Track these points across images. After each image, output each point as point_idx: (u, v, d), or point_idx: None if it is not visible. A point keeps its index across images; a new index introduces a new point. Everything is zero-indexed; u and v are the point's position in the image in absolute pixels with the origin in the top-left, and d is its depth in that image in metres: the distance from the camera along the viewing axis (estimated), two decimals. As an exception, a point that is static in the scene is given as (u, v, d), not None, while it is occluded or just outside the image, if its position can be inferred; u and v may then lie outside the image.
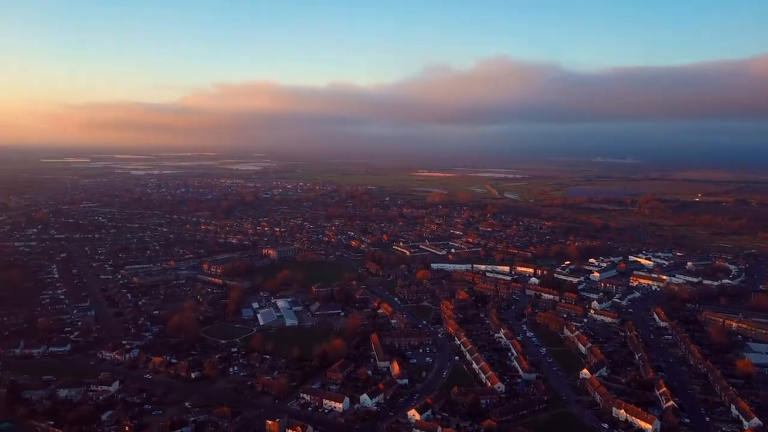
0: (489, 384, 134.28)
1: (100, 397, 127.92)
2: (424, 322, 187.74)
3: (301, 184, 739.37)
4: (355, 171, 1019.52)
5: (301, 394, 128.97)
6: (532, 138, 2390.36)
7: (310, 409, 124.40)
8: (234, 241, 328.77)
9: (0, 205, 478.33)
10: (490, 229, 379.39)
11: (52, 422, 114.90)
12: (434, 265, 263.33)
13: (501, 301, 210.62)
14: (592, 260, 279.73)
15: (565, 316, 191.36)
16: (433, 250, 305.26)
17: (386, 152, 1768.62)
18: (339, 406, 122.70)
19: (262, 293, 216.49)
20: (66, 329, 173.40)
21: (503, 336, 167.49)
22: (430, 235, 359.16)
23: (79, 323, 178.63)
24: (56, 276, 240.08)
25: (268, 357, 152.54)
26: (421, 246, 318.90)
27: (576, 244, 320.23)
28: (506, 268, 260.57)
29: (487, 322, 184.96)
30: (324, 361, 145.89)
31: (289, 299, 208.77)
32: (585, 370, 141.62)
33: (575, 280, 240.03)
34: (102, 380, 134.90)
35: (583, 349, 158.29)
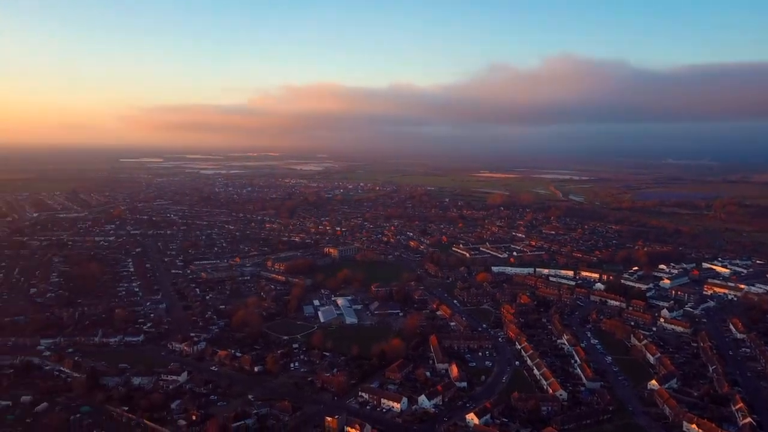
0: (550, 391, 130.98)
1: (170, 386, 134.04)
2: (484, 325, 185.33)
3: (361, 184, 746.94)
4: (415, 171, 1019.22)
5: (360, 393, 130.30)
6: (600, 138, 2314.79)
7: (368, 407, 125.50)
8: (297, 239, 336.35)
9: (83, 202, 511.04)
10: (553, 233, 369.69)
11: (126, 408, 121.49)
12: (495, 268, 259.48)
13: (564, 307, 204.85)
14: (662, 266, 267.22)
15: (632, 324, 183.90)
16: (494, 253, 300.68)
17: (446, 153, 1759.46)
18: (397, 406, 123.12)
19: (323, 291, 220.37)
20: (139, 320, 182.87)
21: (566, 342, 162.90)
22: (491, 237, 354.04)
23: (152, 315, 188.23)
24: (131, 270, 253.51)
25: (328, 354, 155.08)
26: (481, 248, 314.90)
27: (645, 249, 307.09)
28: (570, 273, 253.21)
29: (550, 327, 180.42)
30: (382, 361, 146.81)
31: (349, 298, 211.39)
32: (653, 381, 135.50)
33: (644, 286, 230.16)
34: (172, 370, 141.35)
35: (651, 359, 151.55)
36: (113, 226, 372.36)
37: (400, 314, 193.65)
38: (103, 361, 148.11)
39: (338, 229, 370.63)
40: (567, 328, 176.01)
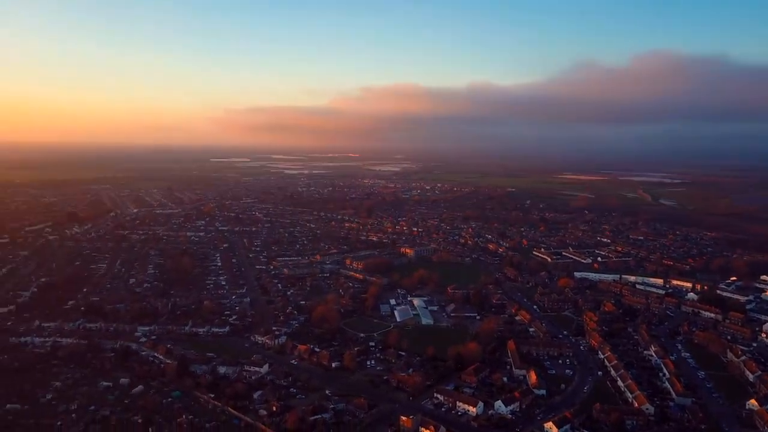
0: (636, 404, 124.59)
1: (253, 377, 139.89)
2: (565, 332, 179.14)
3: (439, 185, 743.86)
4: (494, 172, 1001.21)
5: (435, 394, 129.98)
6: (694, 139, 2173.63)
7: (443, 409, 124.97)
8: (374, 238, 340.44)
9: (177, 200, 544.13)
10: (642, 238, 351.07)
11: (212, 395, 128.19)
12: (578, 274, 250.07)
13: (652, 316, 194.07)
14: (764, 277, 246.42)
15: (729, 337, 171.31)
16: (577, 258, 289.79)
17: (527, 153, 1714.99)
18: (473, 409, 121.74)
19: (399, 291, 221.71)
20: (226, 313, 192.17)
21: (654, 354, 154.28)
22: (574, 241, 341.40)
23: (237, 308, 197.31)
24: (219, 264, 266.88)
25: (403, 354, 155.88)
26: (563, 253, 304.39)
27: (744, 258, 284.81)
28: (659, 281, 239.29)
29: (636, 337, 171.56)
30: (458, 363, 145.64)
31: (425, 298, 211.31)
32: (753, 401, 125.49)
33: (743, 298, 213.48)
34: (254, 362, 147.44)
35: (750, 376, 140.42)
36: (203, 222, 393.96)
37: (477, 317, 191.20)
38: (192, 350, 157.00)
39: (415, 229, 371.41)
40: (655, 339, 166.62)
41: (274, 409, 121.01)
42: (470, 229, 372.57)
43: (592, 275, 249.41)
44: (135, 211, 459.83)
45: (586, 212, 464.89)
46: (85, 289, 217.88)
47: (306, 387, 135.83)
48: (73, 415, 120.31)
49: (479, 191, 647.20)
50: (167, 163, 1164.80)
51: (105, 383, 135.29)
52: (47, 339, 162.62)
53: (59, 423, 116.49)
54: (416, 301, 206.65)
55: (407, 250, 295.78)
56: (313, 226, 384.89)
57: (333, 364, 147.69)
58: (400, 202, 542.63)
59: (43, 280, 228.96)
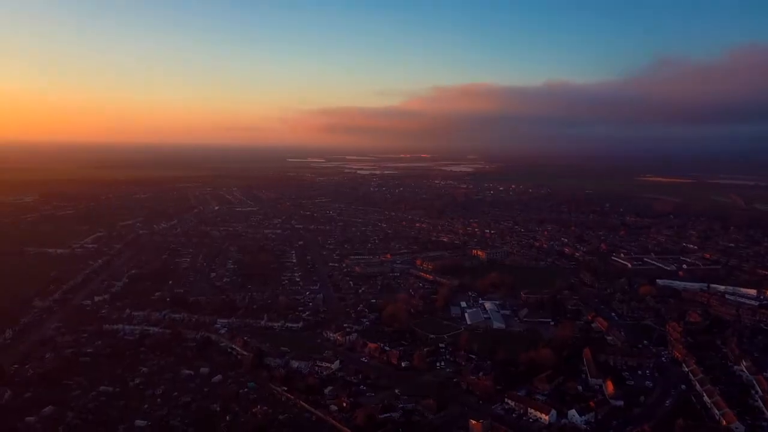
0: (724, 422, 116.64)
1: (324, 373, 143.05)
2: (645, 342, 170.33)
3: (513, 186, 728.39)
4: (572, 174, 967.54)
5: (506, 399, 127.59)
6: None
7: (514, 415, 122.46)
8: (445, 239, 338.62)
9: (255, 198, 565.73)
10: (733, 245, 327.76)
11: (285, 388, 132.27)
12: (660, 281, 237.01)
13: (744, 329, 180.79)
14: None
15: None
16: (660, 265, 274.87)
17: (607, 154, 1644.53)
18: (545, 417, 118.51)
19: (470, 293, 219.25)
20: (299, 308, 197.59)
21: (745, 370, 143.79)
22: (657, 247, 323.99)
23: (310, 304, 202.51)
24: (294, 261, 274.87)
25: (473, 357, 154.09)
26: (645, 259, 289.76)
27: None
28: (753, 292, 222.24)
29: (725, 351, 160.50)
30: (530, 369, 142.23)
31: (497, 302, 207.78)
32: None
33: None
34: (326, 358, 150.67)
35: None
36: (280, 220, 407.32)
37: (551, 323, 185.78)
38: (267, 343, 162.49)
39: (487, 231, 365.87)
40: (747, 354, 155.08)
41: (345, 405, 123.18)
42: (545, 232, 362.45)
43: (676, 283, 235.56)
44: (216, 208, 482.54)
45: (671, 216, 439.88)
46: (170, 282, 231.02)
47: (375, 385, 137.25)
48: (158, 399, 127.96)
49: (555, 193, 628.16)
50: (246, 163, 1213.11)
51: (187, 371, 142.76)
52: (136, 327, 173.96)
53: (146, 406, 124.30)
54: (488, 305, 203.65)
55: (479, 252, 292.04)
56: (384, 225, 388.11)
57: (402, 364, 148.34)
58: (472, 203, 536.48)
59: (133, 271, 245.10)
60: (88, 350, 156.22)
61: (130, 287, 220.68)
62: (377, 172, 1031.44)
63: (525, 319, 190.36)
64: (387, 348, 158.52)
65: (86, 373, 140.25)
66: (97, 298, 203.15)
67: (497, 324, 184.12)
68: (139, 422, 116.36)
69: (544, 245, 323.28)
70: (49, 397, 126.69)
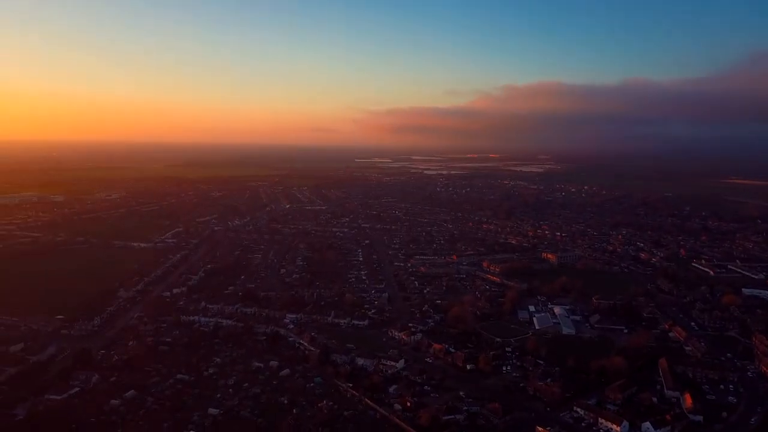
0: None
1: (389, 371, 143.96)
2: (729, 355, 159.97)
3: (585, 187, 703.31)
4: (649, 176, 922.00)
5: (575, 408, 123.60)
6: None
7: (583, 424, 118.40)
8: (513, 242, 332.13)
9: (324, 197, 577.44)
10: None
11: (350, 385, 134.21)
12: (746, 290, 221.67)
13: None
14: None
15: None
16: (746, 273, 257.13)
17: (688, 155, 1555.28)
18: (617, 428, 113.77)
19: (539, 297, 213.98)
20: (365, 306, 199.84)
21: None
22: (743, 254, 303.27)
23: (375, 302, 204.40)
24: (360, 259, 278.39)
25: (541, 362, 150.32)
26: (729, 266, 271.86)
27: None
28: None
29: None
30: (602, 378, 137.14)
31: (567, 307, 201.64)
32: None
33: None
34: (391, 356, 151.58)
35: None
36: (347, 219, 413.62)
37: (625, 331, 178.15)
38: (333, 340, 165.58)
39: (558, 233, 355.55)
40: None
41: (408, 404, 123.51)
42: (620, 236, 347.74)
43: (765, 293, 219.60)
44: (287, 206, 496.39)
45: (759, 221, 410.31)
46: (242, 277, 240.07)
47: (440, 386, 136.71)
48: (230, 389, 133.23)
49: (631, 195, 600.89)
50: (316, 163, 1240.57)
51: (257, 364, 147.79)
52: (211, 319, 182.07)
53: (218, 395, 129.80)
54: (557, 309, 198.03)
55: (549, 256, 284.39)
56: (450, 226, 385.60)
57: (468, 366, 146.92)
58: (543, 204, 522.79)
59: (209, 266, 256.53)
60: (167, 339, 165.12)
61: (206, 281, 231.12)
62: (444, 172, 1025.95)
63: (596, 326, 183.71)
64: (452, 349, 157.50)
65: (164, 361, 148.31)
66: (175, 291, 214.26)
67: (567, 330, 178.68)
68: (212, 410, 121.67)
69: (618, 249, 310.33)
70: (131, 381, 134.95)
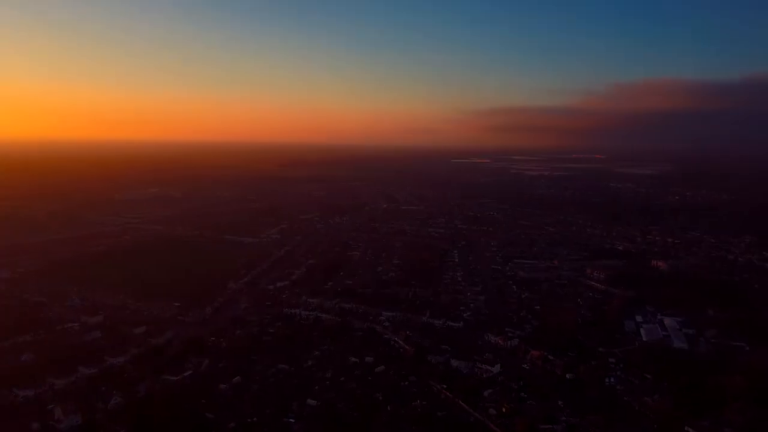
0: None
1: (484, 375, 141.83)
2: None
3: (704, 191, 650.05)
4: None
5: (686, 428, 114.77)
6: None
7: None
8: (620, 247, 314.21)
9: (420, 197, 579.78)
10: None
11: (445, 386, 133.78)
12: None
13: None
14: None
15: None
16: None
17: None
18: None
19: (647, 307, 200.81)
20: (460, 308, 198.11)
21: None
22: None
23: (471, 305, 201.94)
24: (456, 260, 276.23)
25: (648, 376, 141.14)
26: None
27: None
28: None
29: None
30: (718, 397, 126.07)
31: (679, 319, 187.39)
32: None
33: None
34: (487, 360, 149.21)
35: None
36: (444, 219, 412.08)
37: (746, 348, 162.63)
38: (428, 339, 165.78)
39: (670, 240, 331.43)
40: None
41: (504, 410, 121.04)
42: (743, 244, 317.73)
43: None
44: (384, 206, 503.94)
45: None
46: (341, 273, 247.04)
47: (537, 393, 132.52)
48: (327, 382, 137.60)
49: (755, 199, 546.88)
50: (413, 163, 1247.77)
51: (353, 359, 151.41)
52: (311, 313, 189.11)
53: (316, 387, 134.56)
54: (668, 321, 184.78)
55: (659, 263, 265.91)
56: (551, 229, 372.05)
57: (567, 375, 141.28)
58: (654, 208, 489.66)
59: (310, 261, 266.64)
60: (270, 330, 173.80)
61: (307, 276, 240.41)
62: (546, 173, 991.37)
63: (713, 341, 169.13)
64: (551, 357, 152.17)
65: (268, 351, 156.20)
66: (279, 284, 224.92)
67: (678, 343, 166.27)
68: (310, 401, 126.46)
69: (740, 259, 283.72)
70: (237, 368, 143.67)
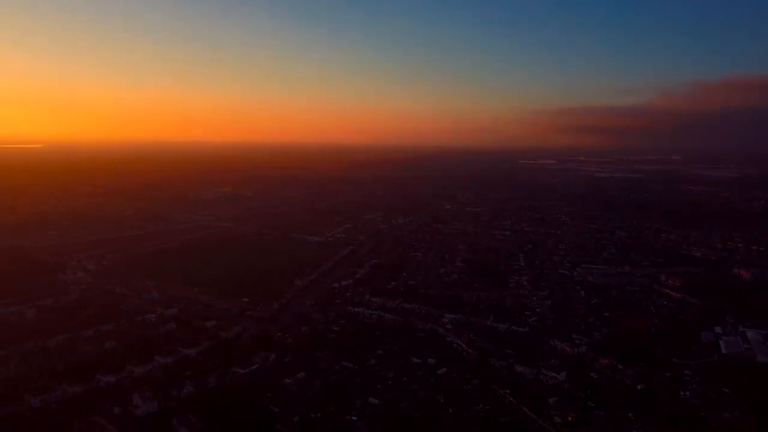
0: None
1: (549, 382, 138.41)
2: None
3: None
4: None
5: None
6: None
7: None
8: (698, 254, 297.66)
9: (485, 198, 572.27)
10: None
11: (508, 391, 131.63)
12: None
13: None
14: None
15: None
16: None
17: None
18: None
19: (727, 318, 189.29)
20: (526, 312, 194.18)
21: None
22: None
23: (537, 309, 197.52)
24: (522, 264, 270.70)
25: (727, 391, 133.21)
26: None
27: None
28: None
29: None
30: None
31: (764, 332, 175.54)
32: None
33: None
34: (553, 366, 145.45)
35: None
36: (509, 221, 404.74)
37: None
38: (491, 343, 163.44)
39: (754, 247, 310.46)
40: None
41: (570, 419, 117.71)
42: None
43: None
44: (448, 207, 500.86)
45: None
46: (404, 273, 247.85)
47: (605, 403, 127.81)
48: (389, 382, 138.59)
49: None
50: (478, 163, 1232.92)
51: (415, 359, 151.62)
52: (374, 312, 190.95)
53: (379, 386, 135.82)
54: (750, 333, 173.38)
55: (741, 272, 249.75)
56: (622, 233, 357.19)
57: (638, 386, 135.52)
58: (736, 213, 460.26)
59: (373, 261, 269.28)
60: (334, 328, 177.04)
61: (370, 275, 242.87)
62: (618, 174, 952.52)
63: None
64: (620, 366, 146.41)
65: (332, 348, 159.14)
66: (343, 283, 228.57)
67: (762, 358, 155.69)
68: (372, 400, 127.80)
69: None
70: (302, 364, 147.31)
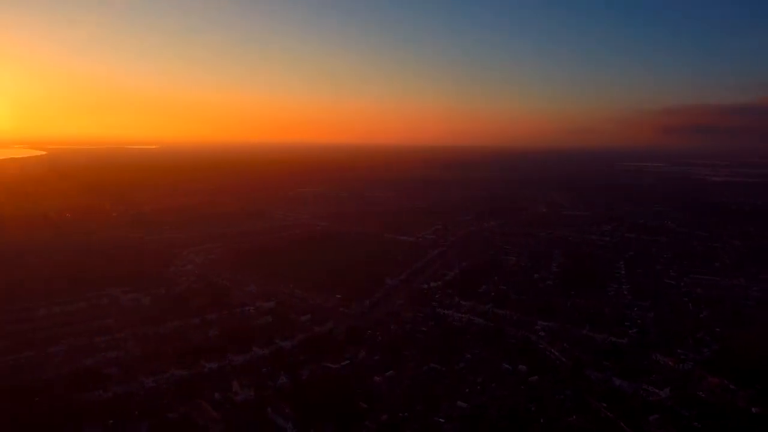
0: None
1: (650, 398, 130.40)
2: None
3: None
4: None
5: None
6: None
7: None
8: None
9: (585, 202, 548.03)
10: None
11: (605, 405, 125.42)
12: None
13: None
14: None
15: None
16: None
17: None
18: None
19: None
20: (625, 323, 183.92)
21: None
22: None
23: (638, 320, 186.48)
24: (622, 272, 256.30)
25: None
26: None
27: None
28: None
29: None
30: None
31: None
32: None
33: None
34: (654, 381, 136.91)
35: None
36: (609, 227, 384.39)
37: None
38: (587, 353, 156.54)
39: None
40: None
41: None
42: None
43: None
44: (544, 210, 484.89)
45: None
46: (495, 277, 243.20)
47: (714, 426, 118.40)
48: (478, 387, 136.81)
49: None
50: (574, 165, 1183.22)
51: (506, 366, 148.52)
52: (463, 315, 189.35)
53: (467, 390, 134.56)
54: None
55: None
56: (737, 242, 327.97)
57: (753, 409, 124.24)
58: None
59: (464, 263, 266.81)
60: (423, 328, 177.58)
61: (460, 277, 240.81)
62: (735, 179, 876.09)
63: None
64: (732, 386, 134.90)
65: (420, 348, 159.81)
66: (432, 284, 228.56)
67: None
68: (460, 403, 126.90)
69: None
70: (391, 362, 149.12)
